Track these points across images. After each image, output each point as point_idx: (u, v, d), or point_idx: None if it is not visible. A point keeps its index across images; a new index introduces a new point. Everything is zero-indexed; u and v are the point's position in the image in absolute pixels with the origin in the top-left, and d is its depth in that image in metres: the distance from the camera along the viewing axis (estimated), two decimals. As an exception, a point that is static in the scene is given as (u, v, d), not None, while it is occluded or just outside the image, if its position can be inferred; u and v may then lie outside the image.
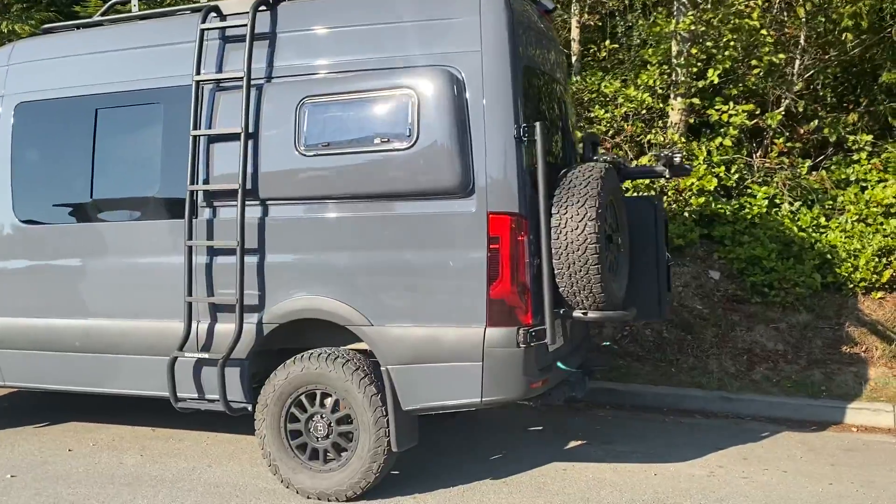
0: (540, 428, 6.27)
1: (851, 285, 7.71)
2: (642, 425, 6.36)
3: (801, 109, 8.83)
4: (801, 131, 8.82)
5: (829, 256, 7.79)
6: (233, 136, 4.95)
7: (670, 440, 5.99)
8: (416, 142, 4.56)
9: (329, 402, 4.80)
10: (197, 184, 5.01)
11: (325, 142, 4.76)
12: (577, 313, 4.63)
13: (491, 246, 4.44)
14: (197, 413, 5.26)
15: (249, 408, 5.05)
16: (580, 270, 4.44)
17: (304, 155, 4.80)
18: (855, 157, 8.56)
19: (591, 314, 4.61)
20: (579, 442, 5.97)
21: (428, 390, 4.61)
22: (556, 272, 4.50)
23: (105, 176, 5.40)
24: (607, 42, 10.36)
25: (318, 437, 4.83)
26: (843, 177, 8.51)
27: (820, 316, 7.61)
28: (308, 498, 4.82)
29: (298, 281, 4.84)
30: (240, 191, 4.85)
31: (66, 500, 4.88)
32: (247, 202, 4.86)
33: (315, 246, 4.81)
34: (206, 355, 4.97)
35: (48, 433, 6.35)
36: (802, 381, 6.92)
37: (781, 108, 8.72)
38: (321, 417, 4.81)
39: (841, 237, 7.87)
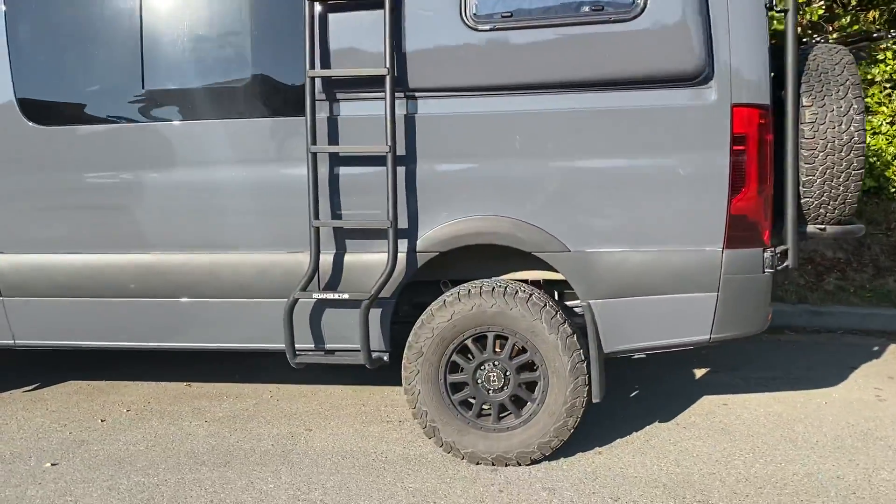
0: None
1: (893, 190, 7.51)
2: (749, 347, 5.84)
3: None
4: (828, 28, 8.41)
5: (873, 160, 7.52)
6: (366, 4, 3.70)
7: (795, 361, 5.51)
8: (642, 9, 3.53)
9: (506, 346, 3.83)
10: (315, 68, 3.73)
11: (507, 10, 3.62)
12: (811, 228, 3.88)
13: (735, 147, 3.56)
14: (218, 361, 4.11)
15: (386, 357, 3.99)
16: (839, 176, 3.67)
17: (476, 28, 3.65)
18: (880, 56, 8.27)
19: (831, 229, 3.88)
20: (705, 370, 5.37)
21: (640, 329, 3.75)
22: (804, 179, 3.71)
23: (162, 56, 3.95)
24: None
25: (489, 390, 3.86)
26: (867, 76, 8.23)
27: (870, 221, 7.36)
28: (478, 463, 3.89)
29: (467, 196, 3.75)
30: (388, 77, 3.64)
31: (161, 493, 3.66)
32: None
33: (489, 151, 3.71)
34: (343, 295, 3.81)
35: (49, 399, 4.93)
36: (880, 290, 6.66)
37: (821, 3, 8.24)
38: (494, 366, 3.83)
39: (884, 141, 7.61)
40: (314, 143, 3.73)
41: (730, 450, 4.05)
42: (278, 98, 3.88)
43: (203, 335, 4.10)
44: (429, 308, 3.86)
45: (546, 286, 4.02)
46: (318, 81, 3.75)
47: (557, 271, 3.81)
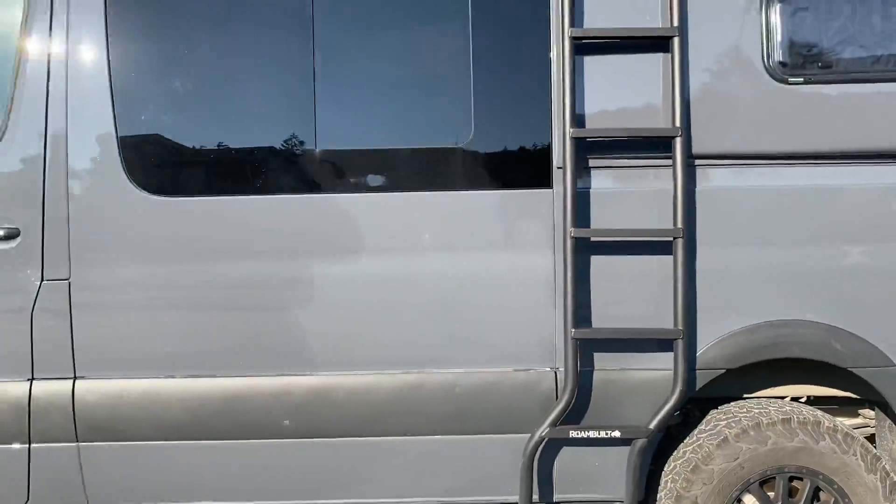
0: None
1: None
2: None
3: None
4: None
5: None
6: (636, 44, 2.82)
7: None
8: None
9: (804, 491, 2.92)
10: (568, 124, 2.77)
11: (827, 58, 2.84)
12: None
13: None
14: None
15: (636, 510, 2.98)
16: None
17: (781, 79, 2.84)
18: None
19: None
20: None
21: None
22: None
23: (345, 107, 2.88)
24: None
25: (789, 553, 2.92)
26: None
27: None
28: None
29: (766, 294, 2.87)
30: (678, 140, 2.75)
31: None
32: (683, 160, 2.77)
33: (799, 235, 2.87)
34: (612, 433, 2.78)
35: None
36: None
37: None
38: (791, 517, 2.91)
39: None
40: (576, 224, 2.75)
41: None
42: (504, 164, 2.91)
43: (384, 487, 2.93)
44: (699, 444, 2.90)
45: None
46: (566, 144, 2.79)
47: (837, 388, 3.03)
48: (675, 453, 2.97)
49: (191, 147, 2.90)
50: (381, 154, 2.92)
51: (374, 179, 2.92)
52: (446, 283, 2.87)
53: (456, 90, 2.88)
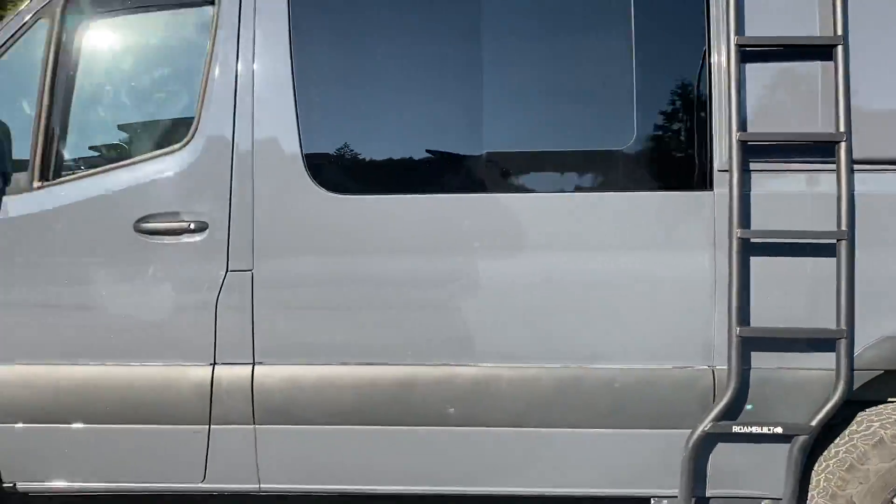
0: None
1: None
2: None
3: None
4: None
5: None
6: (797, 51, 2.90)
7: None
8: None
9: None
10: (734, 129, 2.86)
11: None
12: None
13: None
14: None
15: (791, 508, 3.03)
16: None
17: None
18: None
19: None
20: None
21: None
22: None
23: (506, 111, 3.03)
24: None
25: (938, 553, 2.94)
26: None
27: None
28: None
29: None
30: (842, 144, 2.82)
31: None
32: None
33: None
34: (774, 429, 2.85)
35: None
36: None
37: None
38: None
39: None
40: (743, 225, 2.84)
41: None
42: (667, 167, 3.01)
43: (541, 477, 3.05)
44: (852, 444, 2.94)
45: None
46: (732, 148, 2.88)
47: None
48: (825, 453, 3.02)
49: (367, 148, 3.08)
50: (544, 156, 3.05)
51: (538, 180, 3.05)
52: (606, 280, 2.97)
53: (619, 94, 3.00)
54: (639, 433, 3.00)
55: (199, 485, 3.14)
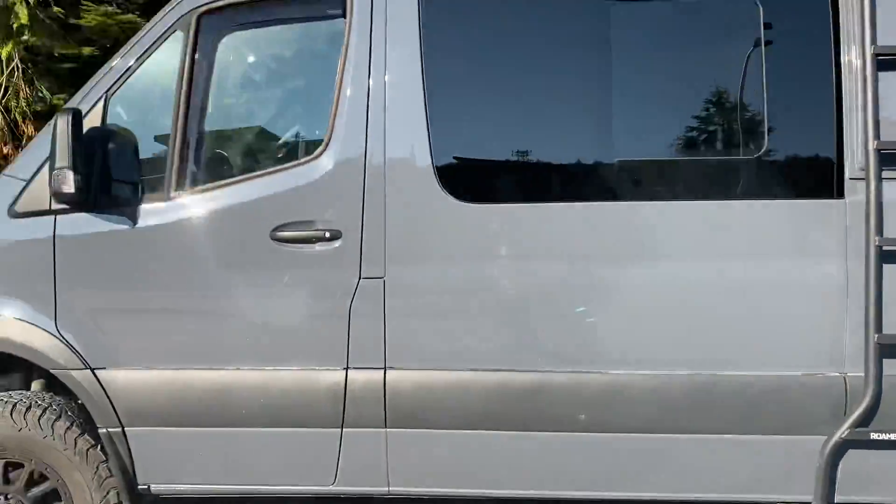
0: None
1: None
2: None
3: None
4: None
5: None
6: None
7: None
8: None
9: None
10: (871, 137, 2.86)
11: None
12: None
13: None
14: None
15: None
16: None
17: None
18: None
19: None
20: None
21: None
22: None
23: (636, 119, 3.07)
24: None
25: None
26: None
27: None
28: None
29: None
30: None
31: None
32: None
33: None
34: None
35: None
36: None
37: None
38: None
39: None
40: (881, 233, 2.85)
41: None
42: (798, 175, 3.03)
43: (667, 483, 3.07)
44: None
45: None
46: (869, 156, 2.89)
47: None
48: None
49: (497, 158, 3.14)
50: (675, 164, 3.09)
51: (668, 188, 3.08)
52: (736, 288, 2.99)
53: (750, 104, 3.02)
54: (767, 439, 3.02)
55: (330, 487, 3.21)
